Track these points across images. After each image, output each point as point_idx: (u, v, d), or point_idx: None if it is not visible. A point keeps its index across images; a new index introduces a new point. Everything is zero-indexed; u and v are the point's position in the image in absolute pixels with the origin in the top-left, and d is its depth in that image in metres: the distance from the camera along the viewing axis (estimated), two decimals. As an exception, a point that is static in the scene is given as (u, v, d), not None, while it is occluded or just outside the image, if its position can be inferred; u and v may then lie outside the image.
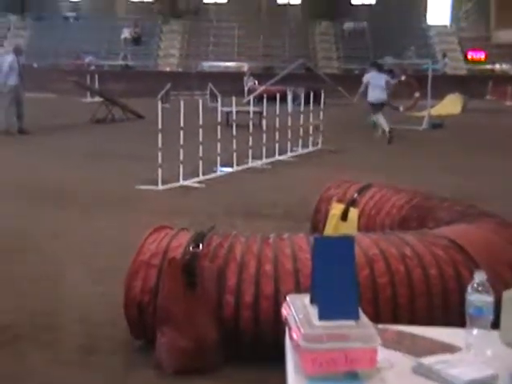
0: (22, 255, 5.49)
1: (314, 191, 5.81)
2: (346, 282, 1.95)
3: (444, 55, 34.55)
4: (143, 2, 40.13)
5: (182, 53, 37.54)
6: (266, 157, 10.97)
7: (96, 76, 28.15)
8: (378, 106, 14.48)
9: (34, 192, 8.25)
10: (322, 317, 1.84)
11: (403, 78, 18.86)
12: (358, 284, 3.09)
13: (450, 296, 3.16)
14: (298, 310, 1.90)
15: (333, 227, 4.78)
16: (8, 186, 8.65)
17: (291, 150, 11.91)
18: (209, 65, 34.75)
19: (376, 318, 2.96)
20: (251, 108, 11.15)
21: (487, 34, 38.46)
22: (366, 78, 15.34)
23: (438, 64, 28.76)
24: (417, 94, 18.36)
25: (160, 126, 8.46)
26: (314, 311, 1.87)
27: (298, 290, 3.15)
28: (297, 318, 1.83)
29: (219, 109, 10.39)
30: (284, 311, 1.97)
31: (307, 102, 12.79)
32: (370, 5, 40.15)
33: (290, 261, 3.39)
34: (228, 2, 40.31)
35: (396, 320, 3.02)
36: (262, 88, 18.43)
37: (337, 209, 4.85)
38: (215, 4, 40.39)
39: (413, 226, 4.12)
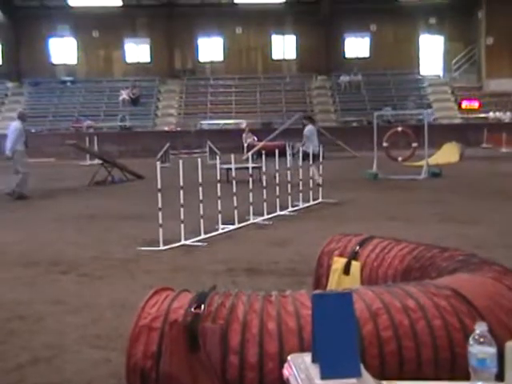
0: (21, 323, 5.43)
1: (315, 245, 5.79)
2: (346, 338, 1.93)
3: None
4: (140, 63, 40.77)
5: (180, 112, 38.03)
6: (267, 212, 10.97)
7: (95, 138, 28.45)
8: (317, 157, 14.40)
9: (32, 257, 8.23)
10: (323, 376, 1.81)
11: (400, 128, 19.04)
12: (362, 339, 3.07)
13: (456, 347, 3.11)
14: (300, 369, 1.87)
15: (336, 282, 4.74)
16: (6, 251, 8.63)
17: (292, 205, 11.93)
18: (207, 123, 35.14)
19: (382, 373, 2.93)
20: (250, 164, 11.20)
21: (479, 83, 39.10)
22: (306, 131, 16.15)
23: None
24: (414, 144, 18.52)
25: (160, 186, 8.49)
26: (315, 370, 1.84)
27: (302, 347, 3.10)
28: (299, 379, 1.80)
29: (218, 166, 10.45)
30: (286, 372, 1.94)
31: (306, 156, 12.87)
32: (363, 57, 40.79)
33: (293, 318, 3.34)
34: (224, 60, 40.97)
35: (402, 374, 2.97)
36: (261, 144, 18.58)
37: (339, 263, 4.81)
38: (211, 63, 41.05)
39: (415, 277, 4.09)
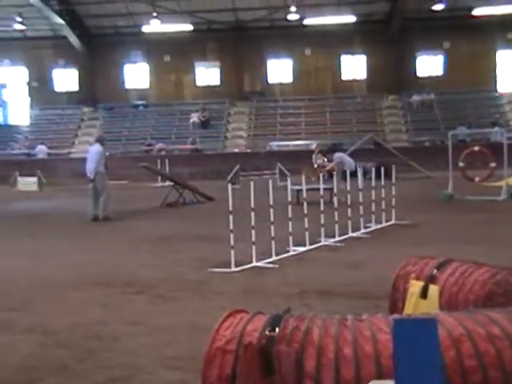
0: (98, 343, 5.50)
1: (389, 268, 5.67)
2: (430, 365, 1.85)
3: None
4: (210, 87, 41.31)
5: (250, 134, 38.28)
6: (339, 234, 10.86)
7: (166, 161, 28.91)
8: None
9: (107, 277, 8.35)
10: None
11: (476, 148, 18.57)
12: (444, 367, 2.95)
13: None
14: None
15: (412, 306, 4.61)
16: (82, 271, 8.80)
17: (364, 227, 11.77)
18: (277, 144, 35.22)
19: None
20: (321, 185, 11.12)
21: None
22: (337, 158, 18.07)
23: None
24: (493, 164, 18.01)
25: (231, 208, 8.51)
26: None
27: (379, 373, 3.02)
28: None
29: (289, 187, 10.42)
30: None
31: (378, 177, 12.70)
32: (436, 76, 40.13)
33: (370, 343, 3.26)
34: (293, 81, 41.09)
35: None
36: (331, 165, 18.48)
37: (415, 286, 4.69)
38: (280, 84, 41.22)
39: (498, 303, 3.93)
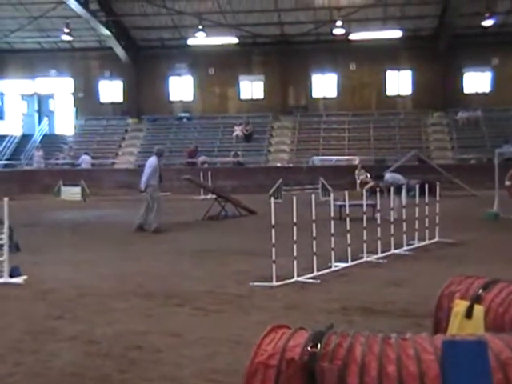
0: (140, 354, 5.54)
1: (433, 286, 5.60)
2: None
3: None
4: (254, 100, 41.45)
5: (293, 148, 38.22)
6: (382, 251, 10.76)
7: (209, 173, 29.05)
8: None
9: (149, 288, 8.42)
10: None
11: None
12: (491, 389, 2.89)
13: None
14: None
15: (457, 326, 4.53)
16: (124, 281, 8.88)
17: (407, 244, 11.65)
18: (319, 159, 35.12)
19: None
20: (364, 201, 11.05)
21: None
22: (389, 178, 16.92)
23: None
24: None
25: (273, 222, 8.51)
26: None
27: (423, 394, 2.97)
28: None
29: (332, 203, 10.38)
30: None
31: (422, 194, 12.57)
32: (484, 93, 39.57)
33: (414, 362, 3.21)
34: (337, 96, 40.98)
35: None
36: (374, 183, 18.35)
37: (460, 306, 4.61)
38: (324, 99, 41.15)
39: (546, 326, 3.85)
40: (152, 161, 16.08)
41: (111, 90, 42.36)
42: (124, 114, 41.69)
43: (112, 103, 42.50)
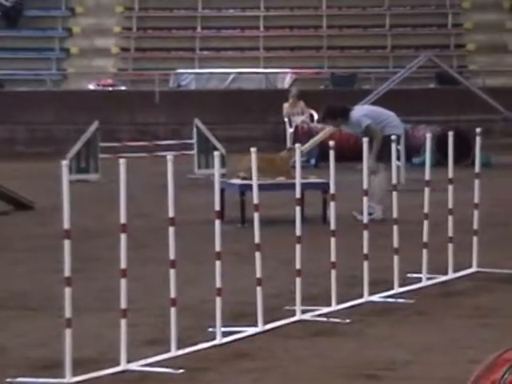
0: None
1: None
2: None
3: None
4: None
5: (126, 46, 29.79)
6: (337, 298, 4.96)
7: None
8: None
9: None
10: None
11: None
12: None
13: None
14: None
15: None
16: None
17: (401, 280, 5.39)
18: (192, 76, 28.98)
19: None
20: (300, 179, 5.23)
21: None
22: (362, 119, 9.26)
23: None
24: None
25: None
26: None
27: None
28: None
29: (217, 179, 5.14)
30: None
31: (443, 159, 6.67)
32: None
33: None
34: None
35: None
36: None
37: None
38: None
39: None
40: None
41: None
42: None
43: None
